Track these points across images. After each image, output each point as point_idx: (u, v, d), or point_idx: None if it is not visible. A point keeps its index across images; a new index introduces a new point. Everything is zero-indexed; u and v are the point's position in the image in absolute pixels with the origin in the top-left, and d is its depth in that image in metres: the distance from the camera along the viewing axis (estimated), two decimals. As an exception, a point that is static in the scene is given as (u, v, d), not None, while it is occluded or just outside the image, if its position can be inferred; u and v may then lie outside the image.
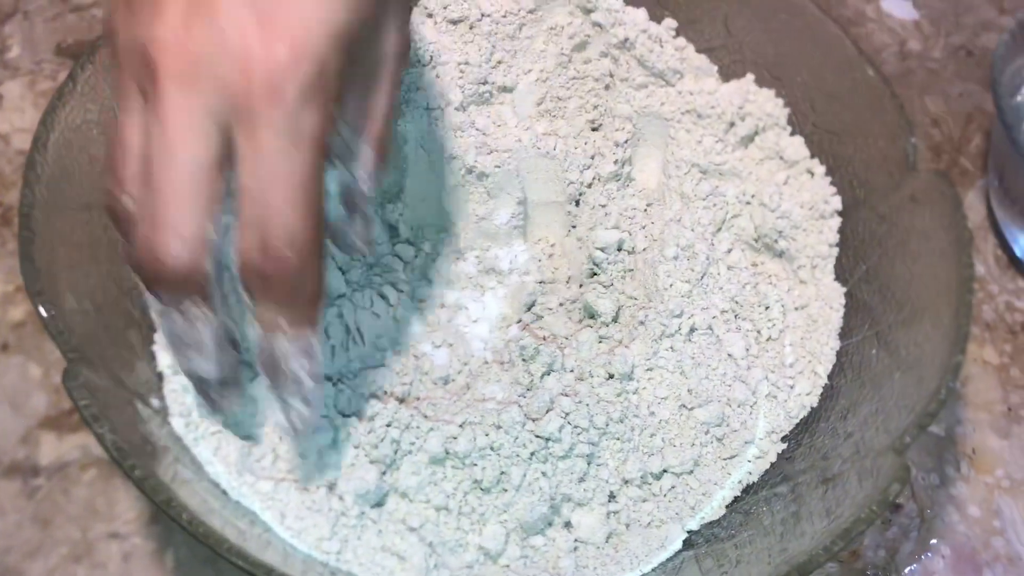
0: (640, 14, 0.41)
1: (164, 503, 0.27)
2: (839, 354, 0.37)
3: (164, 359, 0.34)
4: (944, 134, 0.52)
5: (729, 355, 0.37)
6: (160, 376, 0.33)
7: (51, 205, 0.31)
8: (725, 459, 0.35)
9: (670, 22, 0.42)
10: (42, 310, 0.29)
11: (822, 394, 0.37)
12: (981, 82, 0.53)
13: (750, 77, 0.41)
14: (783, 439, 0.36)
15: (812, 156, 0.40)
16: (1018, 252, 0.46)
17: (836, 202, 0.39)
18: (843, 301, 0.38)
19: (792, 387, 0.37)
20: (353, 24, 0.25)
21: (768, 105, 0.40)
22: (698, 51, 0.42)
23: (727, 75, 0.42)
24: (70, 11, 0.50)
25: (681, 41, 0.42)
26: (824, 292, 0.38)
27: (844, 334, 0.37)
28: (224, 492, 0.31)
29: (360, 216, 0.29)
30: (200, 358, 0.27)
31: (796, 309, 0.39)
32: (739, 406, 0.36)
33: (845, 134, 0.39)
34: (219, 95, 0.24)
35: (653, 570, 0.33)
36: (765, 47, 0.41)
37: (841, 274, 0.39)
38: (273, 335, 0.27)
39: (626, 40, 0.40)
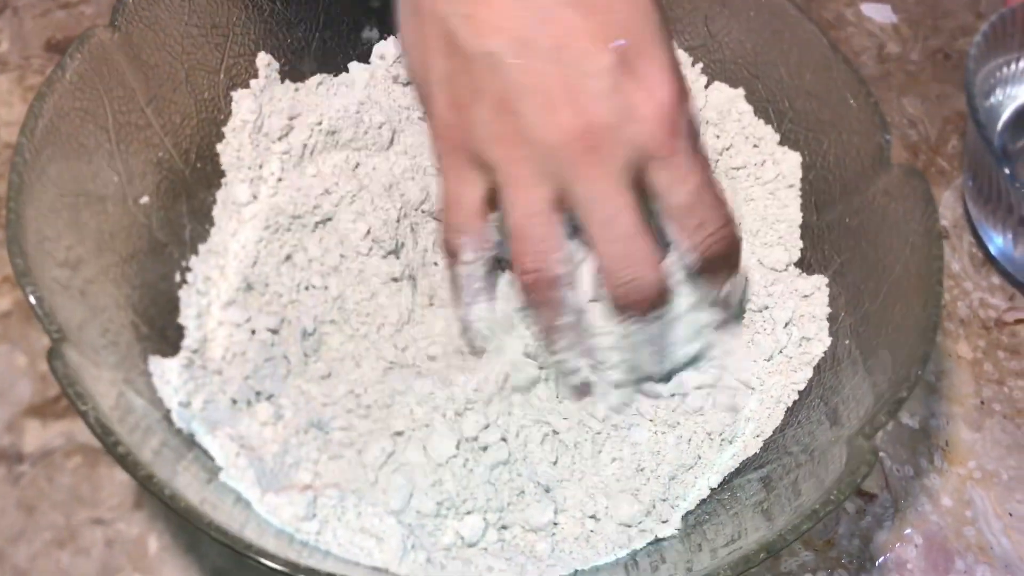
0: None
1: (145, 479, 0.27)
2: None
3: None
4: (921, 135, 0.53)
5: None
6: (145, 358, 0.34)
7: (38, 190, 0.32)
8: (710, 456, 0.36)
9: None
10: (28, 291, 0.30)
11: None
12: (958, 84, 0.54)
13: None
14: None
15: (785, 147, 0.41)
16: (993, 251, 0.47)
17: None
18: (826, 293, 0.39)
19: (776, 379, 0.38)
20: (672, 53, 0.31)
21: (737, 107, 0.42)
22: (683, 49, 0.43)
23: (707, 73, 0.43)
24: (59, 7, 0.50)
25: None
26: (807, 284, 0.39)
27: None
28: (207, 472, 0.32)
29: None
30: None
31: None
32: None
33: (821, 130, 0.40)
34: (631, 153, 0.30)
35: (629, 554, 0.33)
36: (744, 46, 0.42)
37: (817, 267, 0.39)
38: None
39: None
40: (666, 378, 0.36)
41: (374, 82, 0.41)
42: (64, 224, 0.33)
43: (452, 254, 0.34)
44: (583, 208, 0.30)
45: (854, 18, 0.57)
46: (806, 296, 0.39)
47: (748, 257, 0.40)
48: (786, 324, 0.38)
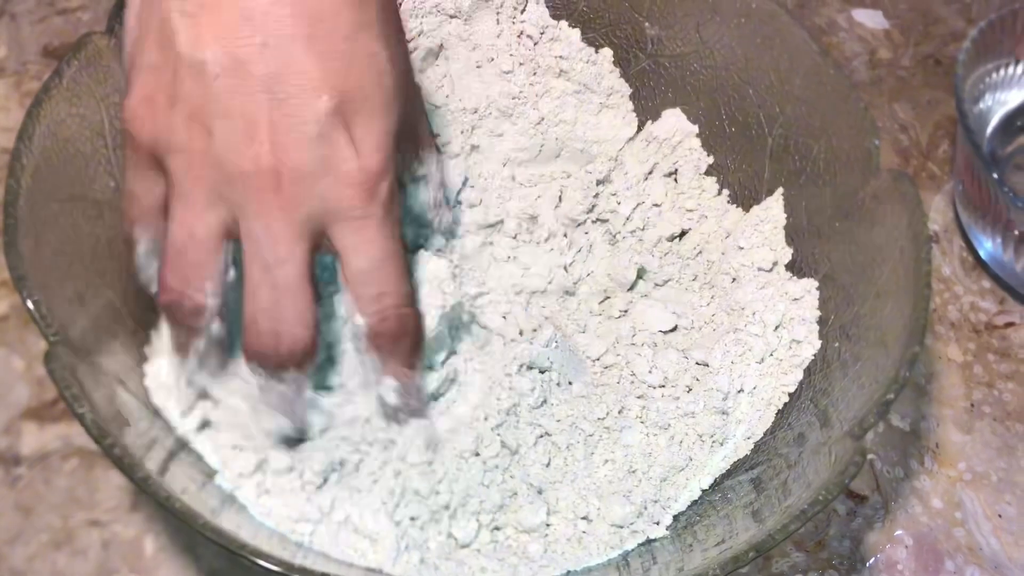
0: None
1: (141, 481, 0.28)
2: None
3: (156, 344, 0.35)
4: (912, 140, 0.53)
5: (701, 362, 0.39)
6: (141, 361, 0.34)
7: (35, 194, 0.32)
8: (701, 458, 0.37)
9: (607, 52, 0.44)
10: (24, 294, 0.30)
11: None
12: (949, 90, 0.55)
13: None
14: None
15: (780, 158, 0.41)
16: (983, 255, 0.48)
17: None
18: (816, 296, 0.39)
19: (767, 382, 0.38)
20: (397, 125, 0.30)
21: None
22: (672, 56, 0.44)
23: (701, 78, 0.43)
24: (56, 14, 0.50)
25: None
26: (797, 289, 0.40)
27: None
28: (202, 473, 0.32)
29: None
30: (287, 411, 0.32)
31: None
32: (721, 412, 0.38)
33: (812, 136, 0.40)
34: (320, 205, 0.28)
35: (621, 554, 0.33)
36: (735, 52, 0.42)
37: (808, 270, 0.40)
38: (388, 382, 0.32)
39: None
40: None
41: None
42: (61, 228, 0.34)
43: (128, 243, 0.32)
44: (250, 244, 0.28)
45: (846, 24, 0.58)
46: (796, 299, 0.39)
47: (737, 257, 0.41)
48: (776, 327, 0.39)
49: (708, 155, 0.44)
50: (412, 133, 0.33)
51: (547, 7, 0.44)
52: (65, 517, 0.37)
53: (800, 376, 0.37)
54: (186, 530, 0.37)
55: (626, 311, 0.40)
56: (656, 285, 0.41)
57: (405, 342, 0.31)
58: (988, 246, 0.47)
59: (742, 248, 0.41)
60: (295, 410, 0.32)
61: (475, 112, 0.42)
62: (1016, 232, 0.44)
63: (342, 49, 0.28)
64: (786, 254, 0.40)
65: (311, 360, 0.30)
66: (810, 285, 0.39)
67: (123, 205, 0.31)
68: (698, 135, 0.44)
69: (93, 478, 0.38)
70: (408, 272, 0.31)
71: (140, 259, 0.32)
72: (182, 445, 0.33)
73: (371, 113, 0.29)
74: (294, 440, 0.33)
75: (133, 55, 0.30)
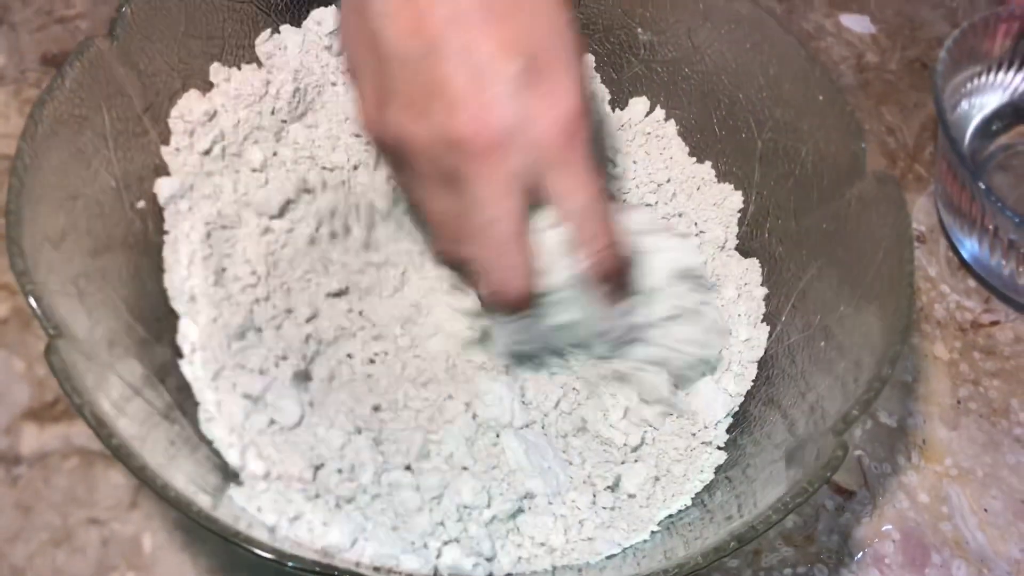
0: None
1: (138, 470, 0.28)
2: (791, 346, 0.39)
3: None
4: (899, 142, 0.54)
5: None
6: (140, 356, 0.34)
7: (37, 193, 0.33)
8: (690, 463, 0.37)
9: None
10: (27, 290, 0.30)
11: (776, 382, 0.38)
12: (935, 93, 0.56)
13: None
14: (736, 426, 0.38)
15: (769, 161, 0.42)
16: (965, 255, 0.48)
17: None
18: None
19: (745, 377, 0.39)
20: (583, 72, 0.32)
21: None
22: (664, 61, 0.45)
23: (692, 83, 0.44)
24: (55, 22, 0.51)
25: None
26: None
27: (797, 328, 0.39)
28: (201, 464, 0.32)
29: None
30: (524, 340, 0.37)
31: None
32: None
33: (800, 139, 0.41)
34: (527, 159, 0.31)
35: (611, 556, 0.34)
36: (725, 57, 0.43)
37: (796, 271, 0.41)
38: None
39: None
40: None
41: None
42: (62, 227, 0.34)
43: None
44: (467, 207, 0.31)
45: (833, 29, 0.59)
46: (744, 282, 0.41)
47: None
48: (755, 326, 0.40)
49: (695, 159, 0.45)
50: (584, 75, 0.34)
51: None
52: (65, 515, 0.37)
53: (782, 372, 0.38)
54: (184, 528, 0.38)
55: None
56: None
57: (622, 279, 0.35)
58: (970, 247, 0.48)
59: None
60: (532, 338, 0.36)
61: None
62: (991, 227, 0.44)
63: (524, 12, 0.30)
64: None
65: (533, 302, 0.34)
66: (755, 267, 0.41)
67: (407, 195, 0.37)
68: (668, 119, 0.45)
69: (92, 477, 0.38)
70: (612, 214, 0.34)
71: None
72: (181, 436, 0.33)
73: (557, 65, 0.31)
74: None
75: (354, 69, 0.33)
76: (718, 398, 0.39)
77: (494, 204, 0.31)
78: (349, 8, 0.33)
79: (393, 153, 0.33)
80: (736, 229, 0.43)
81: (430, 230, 0.33)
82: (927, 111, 0.55)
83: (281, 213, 0.38)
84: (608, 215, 0.33)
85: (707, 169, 0.44)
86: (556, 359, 0.39)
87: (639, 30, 0.44)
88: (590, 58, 0.45)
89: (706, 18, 0.43)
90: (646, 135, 0.45)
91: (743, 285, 0.42)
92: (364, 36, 0.31)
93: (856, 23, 0.59)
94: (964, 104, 0.51)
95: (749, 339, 0.40)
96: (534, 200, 0.32)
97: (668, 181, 0.44)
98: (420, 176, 0.32)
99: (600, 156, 0.38)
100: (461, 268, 0.34)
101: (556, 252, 0.33)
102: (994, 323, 0.48)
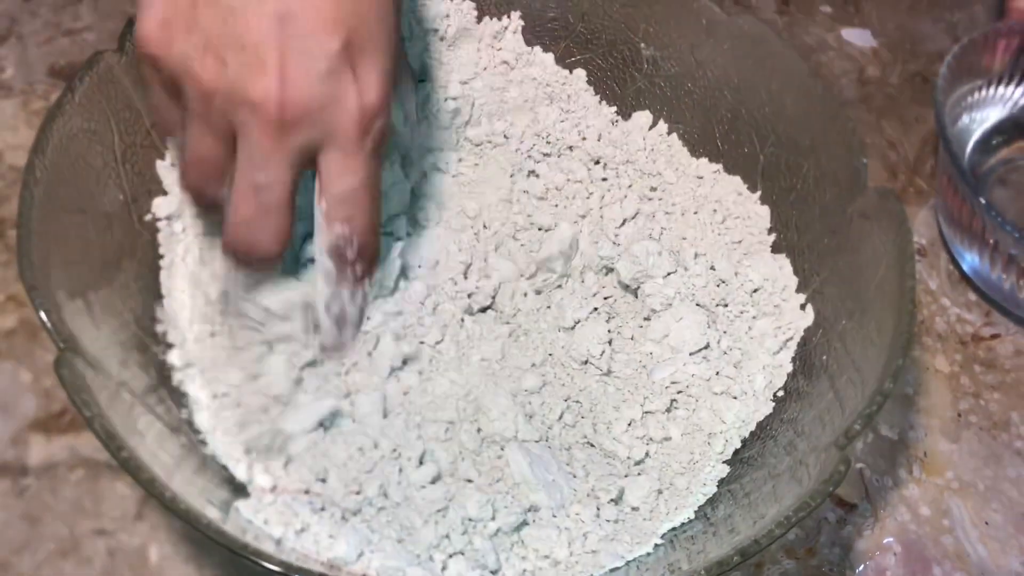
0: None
1: (147, 482, 0.28)
2: (792, 361, 0.39)
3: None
4: (900, 156, 0.55)
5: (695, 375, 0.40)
6: (147, 368, 0.35)
7: (47, 207, 0.33)
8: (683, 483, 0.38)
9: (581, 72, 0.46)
10: (36, 303, 0.31)
11: (776, 399, 0.39)
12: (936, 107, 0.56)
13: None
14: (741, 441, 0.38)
15: (772, 176, 0.43)
16: (965, 268, 0.49)
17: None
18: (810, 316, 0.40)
19: (752, 393, 0.39)
20: (394, 62, 0.33)
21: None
22: (667, 76, 0.45)
23: (695, 98, 0.45)
24: (63, 35, 0.51)
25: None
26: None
27: (800, 342, 0.40)
28: (208, 478, 0.33)
29: None
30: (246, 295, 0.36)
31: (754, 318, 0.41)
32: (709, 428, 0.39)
33: (802, 155, 0.41)
34: (316, 135, 0.31)
35: (615, 569, 0.34)
36: (728, 72, 0.43)
37: (800, 286, 0.41)
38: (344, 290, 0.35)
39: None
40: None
41: None
42: (71, 240, 0.34)
43: (161, 140, 0.37)
44: (244, 161, 0.31)
45: (835, 43, 0.59)
46: (777, 305, 0.40)
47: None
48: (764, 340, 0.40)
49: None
50: (396, 66, 0.34)
51: (547, 28, 0.45)
52: (71, 526, 0.38)
53: (785, 387, 0.39)
54: (190, 539, 0.38)
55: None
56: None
57: (362, 260, 0.34)
58: (970, 260, 0.48)
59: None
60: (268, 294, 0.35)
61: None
62: (991, 241, 0.45)
63: (361, 2, 0.30)
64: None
65: (275, 263, 0.34)
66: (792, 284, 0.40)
67: (152, 118, 0.35)
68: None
69: (99, 488, 0.39)
70: (380, 205, 0.34)
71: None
72: (188, 449, 0.33)
73: (374, 52, 0.31)
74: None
75: None
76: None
77: (274, 170, 0.31)
78: None
79: (167, 79, 0.31)
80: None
81: (183, 165, 0.33)
82: (928, 125, 0.56)
83: None
84: (371, 206, 0.33)
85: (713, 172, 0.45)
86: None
87: (642, 45, 0.45)
88: (581, 72, 0.46)
89: (709, 34, 0.43)
90: (650, 149, 0.45)
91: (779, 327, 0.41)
92: None
93: (857, 37, 0.60)
94: (965, 118, 0.51)
95: (767, 365, 0.40)
96: (306, 166, 0.32)
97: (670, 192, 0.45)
98: (191, 112, 0.31)
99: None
100: (204, 200, 0.33)
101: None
102: (994, 336, 0.48)
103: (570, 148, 0.44)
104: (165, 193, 0.38)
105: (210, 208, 0.34)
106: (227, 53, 0.29)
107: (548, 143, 0.44)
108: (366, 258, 0.34)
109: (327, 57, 0.29)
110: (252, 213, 0.32)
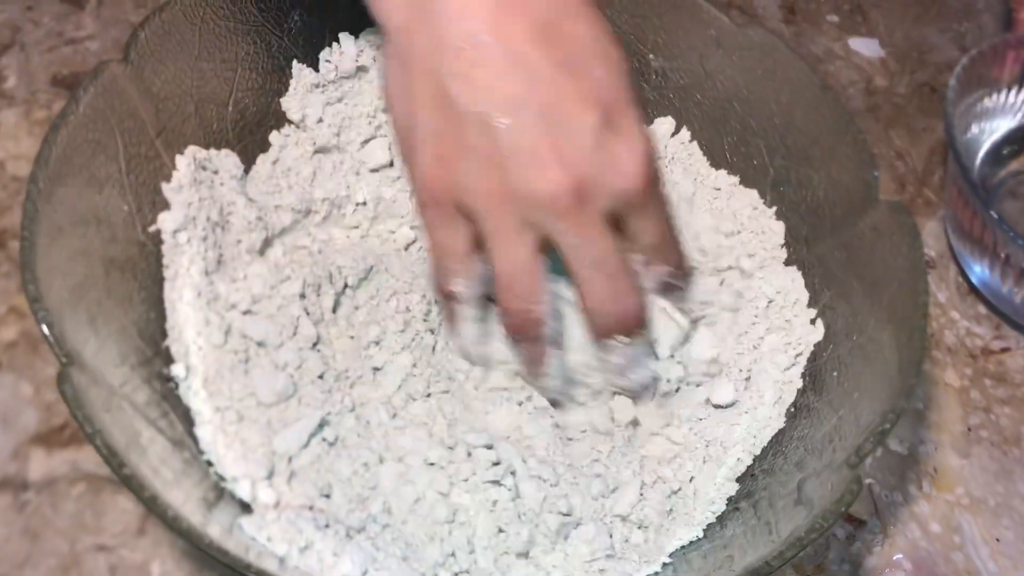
0: None
1: (149, 500, 0.28)
2: (803, 377, 0.39)
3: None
4: (908, 166, 0.54)
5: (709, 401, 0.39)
6: (150, 381, 0.34)
7: (51, 218, 0.33)
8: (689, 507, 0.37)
9: None
10: (38, 316, 0.30)
11: (787, 415, 0.38)
12: (944, 118, 0.56)
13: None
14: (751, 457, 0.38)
15: (781, 187, 0.42)
16: (974, 280, 0.48)
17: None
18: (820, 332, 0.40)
19: (762, 411, 0.39)
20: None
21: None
22: (676, 87, 0.45)
23: (704, 109, 0.44)
24: (65, 44, 0.51)
25: None
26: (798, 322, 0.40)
27: (810, 357, 0.39)
28: (211, 494, 0.32)
29: None
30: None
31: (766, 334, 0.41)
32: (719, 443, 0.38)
33: (812, 167, 0.41)
34: (613, 201, 0.32)
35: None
36: (737, 83, 0.43)
37: (810, 300, 0.40)
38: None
39: None
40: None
41: None
42: (75, 252, 0.34)
43: (447, 296, 0.36)
44: (572, 253, 0.33)
45: (842, 52, 0.59)
46: (790, 320, 0.40)
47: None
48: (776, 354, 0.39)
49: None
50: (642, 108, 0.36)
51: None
52: (72, 542, 0.37)
53: (794, 404, 0.38)
54: (193, 555, 0.37)
55: None
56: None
57: (685, 284, 0.38)
58: (980, 273, 0.47)
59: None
60: (639, 368, 0.37)
61: None
62: (1002, 255, 0.44)
63: (594, 64, 0.32)
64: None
65: (646, 323, 0.36)
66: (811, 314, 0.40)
67: (434, 263, 0.35)
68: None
69: (100, 503, 0.38)
70: (680, 235, 0.37)
71: (459, 311, 0.36)
72: (192, 465, 0.33)
73: (626, 111, 0.32)
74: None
75: (407, 127, 0.33)
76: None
77: (596, 245, 0.32)
78: (397, 63, 0.33)
79: (452, 211, 0.33)
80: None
81: (499, 292, 0.34)
82: (936, 135, 0.55)
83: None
84: (678, 241, 0.36)
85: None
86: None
87: (651, 56, 0.45)
88: None
89: (718, 44, 0.43)
90: (670, 158, 0.45)
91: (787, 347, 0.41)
92: (426, 95, 0.32)
93: (865, 47, 0.59)
94: (974, 128, 0.51)
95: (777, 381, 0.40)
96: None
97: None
98: (493, 232, 0.32)
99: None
100: (531, 335, 0.35)
101: None
102: (1005, 350, 0.47)
103: None
104: (170, 207, 0.38)
105: (537, 334, 0.35)
106: (505, 161, 0.31)
107: None
108: (685, 282, 0.38)
109: (590, 132, 0.31)
110: (606, 286, 0.33)
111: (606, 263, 0.33)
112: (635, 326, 0.35)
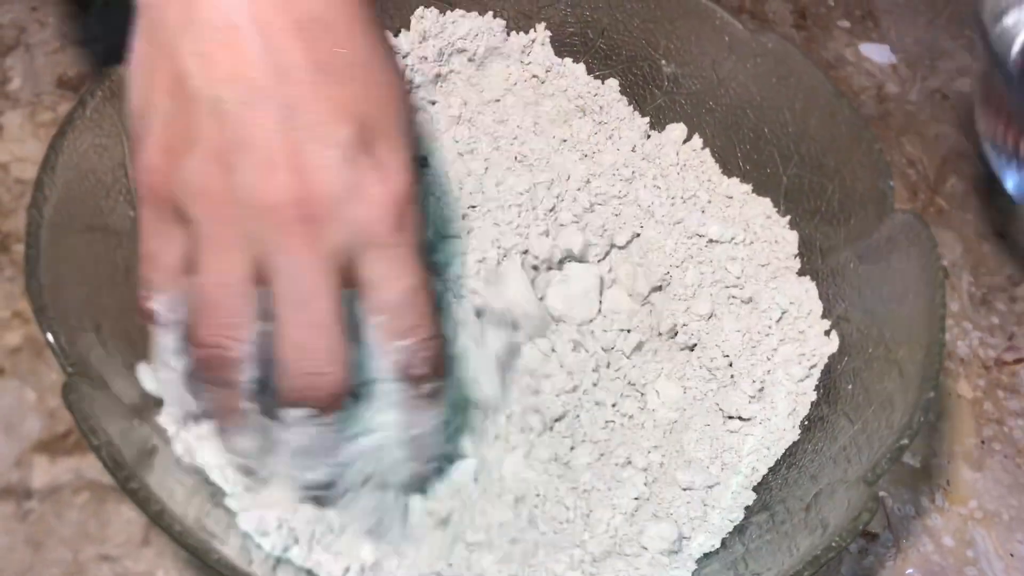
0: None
1: (156, 515, 0.27)
2: (817, 389, 0.38)
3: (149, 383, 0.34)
4: (920, 174, 0.54)
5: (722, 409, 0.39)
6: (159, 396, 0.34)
7: (56, 225, 0.32)
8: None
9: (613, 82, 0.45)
10: (44, 325, 0.30)
11: (801, 427, 0.38)
12: (956, 124, 0.55)
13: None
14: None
15: (795, 197, 0.42)
16: (1012, 190, 0.45)
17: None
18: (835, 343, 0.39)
19: (776, 422, 0.38)
20: (414, 148, 0.30)
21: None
22: (688, 93, 0.44)
23: (716, 116, 0.44)
24: (70, 45, 0.50)
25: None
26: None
27: (825, 369, 0.39)
28: (218, 507, 0.32)
29: None
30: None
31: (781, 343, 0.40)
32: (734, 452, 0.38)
33: (826, 176, 0.40)
34: (349, 235, 0.27)
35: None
36: (750, 90, 0.43)
37: (823, 311, 0.40)
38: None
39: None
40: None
41: None
42: (80, 259, 0.34)
43: (145, 316, 0.30)
44: (278, 283, 0.27)
45: (853, 58, 0.58)
46: (802, 332, 0.39)
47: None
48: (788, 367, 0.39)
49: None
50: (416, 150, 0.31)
51: (566, 43, 0.45)
52: (76, 551, 0.37)
53: (809, 417, 0.38)
54: (197, 566, 0.37)
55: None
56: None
57: (438, 376, 0.30)
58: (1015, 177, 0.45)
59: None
60: (333, 454, 0.30)
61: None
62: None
63: (359, 75, 0.28)
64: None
65: (346, 399, 0.29)
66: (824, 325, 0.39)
67: (141, 271, 0.29)
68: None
69: (104, 512, 0.38)
70: (435, 303, 0.30)
71: (163, 354, 0.30)
72: (199, 479, 0.32)
73: (391, 137, 0.28)
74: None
75: (140, 109, 0.28)
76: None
77: (308, 280, 0.27)
78: (145, 39, 0.28)
79: (169, 210, 0.28)
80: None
81: (195, 316, 0.28)
82: (948, 142, 0.55)
83: None
84: (431, 306, 0.29)
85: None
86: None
87: (663, 62, 0.44)
88: (614, 82, 0.45)
89: (731, 51, 0.42)
90: (682, 165, 0.44)
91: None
92: (164, 74, 0.27)
93: (876, 53, 0.59)
94: (1007, 20, 0.46)
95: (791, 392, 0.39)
96: (345, 284, 0.28)
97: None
98: (205, 240, 0.27)
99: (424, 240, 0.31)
100: (220, 378, 0.28)
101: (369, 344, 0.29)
102: (1018, 361, 0.47)
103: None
104: None
105: (232, 378, 0.28)
106: (233, 158, 0.26)
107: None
108: (438, 373, 0.30)
109: (340, 145, 0.27)
110: (303, 334, 0.27)
111: (311, 307, 0.27)
112: (322, 402, 0.28)
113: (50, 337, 0.30)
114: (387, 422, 0.30)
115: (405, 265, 0.28)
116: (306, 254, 0.27)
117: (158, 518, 0.28)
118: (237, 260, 0.27)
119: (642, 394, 0.39)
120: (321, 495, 0.32)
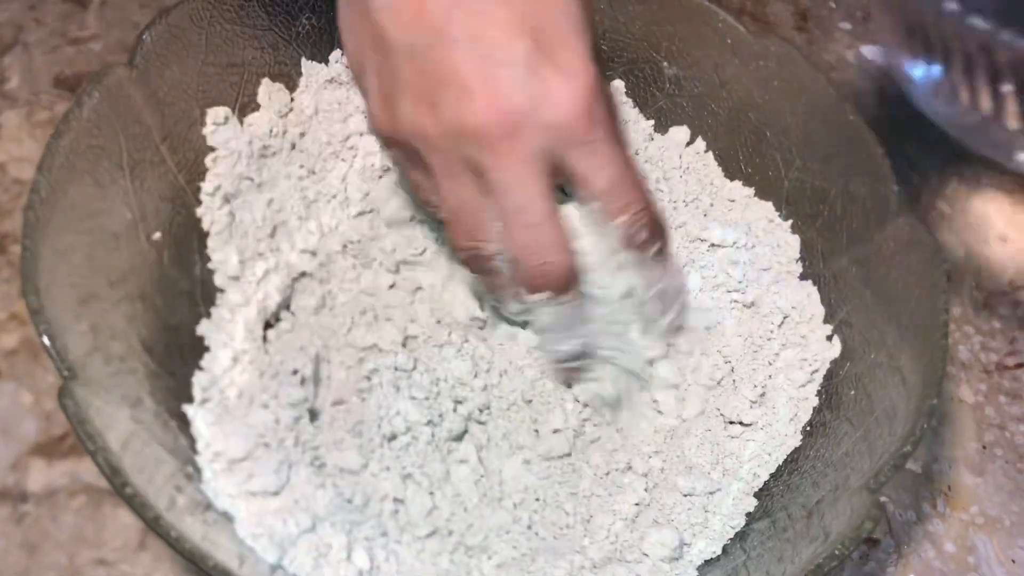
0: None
1: (152, 520, 0.27)
2: (819, 394, 0.38)
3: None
4: (921, 177, 0.53)
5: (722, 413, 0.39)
6: (154, 396, 0.34)
7: (52, 226, 0.32)
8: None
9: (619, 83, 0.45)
10: (40, 328, 0.30)
11: (803, 433, 0.38)
12: (957, 129, 0.55)
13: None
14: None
15: (797, 201, 0.41)
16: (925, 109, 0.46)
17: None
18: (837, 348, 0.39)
19: (776, 427, 0.38)
20: (593, 43, 0.32)
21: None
22: (690, 96, 0.44)
23: (718, 119, 0.43)
24: (68, 44, 0.50)
25: None
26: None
27: (826, 374, 0.39)
28: (214, 514, 0.31)
29: None
30: (568, 333, 0.35)
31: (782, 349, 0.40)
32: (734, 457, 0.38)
33: (828, 180, 0.40)
34: (547, 139, 0.30)
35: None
36: (753, 94, 0.42)
37: (825, 316, 0.40)
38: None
39: None
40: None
41: None
42: (77, 261, 0.33)
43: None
44: (498, 196, 0.31)
45: (854, 60, 0.58)
46: (803, 337, 0.39)
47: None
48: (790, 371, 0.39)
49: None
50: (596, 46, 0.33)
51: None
52: (72, 555, 0.36)
53: (811, 424, 0.37)
54: (194, 571, 0.36)
55: None
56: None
57: (660, 239, 0.34)
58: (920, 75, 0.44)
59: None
60: (578, 329, 0.35)
61: None
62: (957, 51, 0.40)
63: None
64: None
65: (577, 281, 0.33)
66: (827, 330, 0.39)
67: (418, 197, 0.35)
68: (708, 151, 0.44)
69: (101, 516, 0.37)
70: (642, 176, 0.33)
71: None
72: (195, 484, 0.32)
73: (565, 42, 0.30)
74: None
75: (358, 69, 0.32)
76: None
77: (521, 188, 0.31)
78: (345, 4, 0.32)
79: (405, 150, 0.32)
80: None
81: (448, 228, 0.33)
82: (950, 146, 0.54)
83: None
84: (638, 182, 0.33)
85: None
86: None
87: (664, 64, 0.44)
88: (620, 84, 0.45)
89: (734, 53, 0.42)
90: (685, 168, 0.44)
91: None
92: (366, 32, 0.31)
93: (877, 55, 0.58)
94: None
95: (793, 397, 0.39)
96: (559, 179, 0.31)
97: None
98: (436, 170, 0.32)
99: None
100: (483, 268, 0.34)
101: (587, 227, 0.33)
102: (1019, 366, 0.47)
103: None
104: (177, 213, 0.37)
105: (488, 269, 0.33)
106: (435, 95, 0.30)
107: None
108: (659, 234, 0.34)
109: (519, 61, 0.29)
110: (525, 236, 0.31)
111: (527, 210, 0.31)
112: (556, 286, 0.33)
113: (46, 340, 0.30)
114: (630, 287, 0.34)
115: (605, 155, 0.31)
116: (514, 166, 0.30)
117: (154, 523, 0.28)
118: (464, 181, 0.31)
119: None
120: (572, 366, 0.36)
